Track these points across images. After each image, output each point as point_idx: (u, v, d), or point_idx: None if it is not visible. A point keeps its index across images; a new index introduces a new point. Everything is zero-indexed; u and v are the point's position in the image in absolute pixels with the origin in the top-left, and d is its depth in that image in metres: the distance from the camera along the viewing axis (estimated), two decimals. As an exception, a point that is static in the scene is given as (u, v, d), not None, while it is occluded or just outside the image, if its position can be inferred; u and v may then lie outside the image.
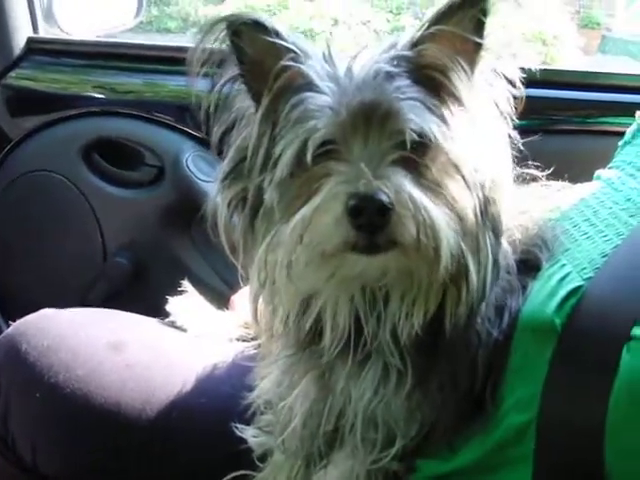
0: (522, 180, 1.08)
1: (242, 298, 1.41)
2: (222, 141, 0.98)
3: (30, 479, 1.32)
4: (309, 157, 0.87)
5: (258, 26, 0.92)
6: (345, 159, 0.86)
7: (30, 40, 1.93)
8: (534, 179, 1.10)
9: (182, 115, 1.85)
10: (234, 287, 1.63)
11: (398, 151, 0.86)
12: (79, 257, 1.97)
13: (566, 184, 1.15)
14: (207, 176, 1.78)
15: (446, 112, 0.89)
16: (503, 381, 0.98)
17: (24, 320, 1.36)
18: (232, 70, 0.95)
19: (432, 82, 0.89)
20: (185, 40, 4.19)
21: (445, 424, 0.99)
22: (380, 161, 0.84)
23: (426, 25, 0.90)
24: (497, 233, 0.92)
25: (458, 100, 0.90)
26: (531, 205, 1.09)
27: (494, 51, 0.93)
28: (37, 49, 1.94)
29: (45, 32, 1.99)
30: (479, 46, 0.91)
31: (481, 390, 0.99)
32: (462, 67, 0.90)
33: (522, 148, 0.97)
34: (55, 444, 1.27)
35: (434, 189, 0.87)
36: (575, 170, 1.15)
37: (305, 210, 0.85)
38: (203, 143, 1.82)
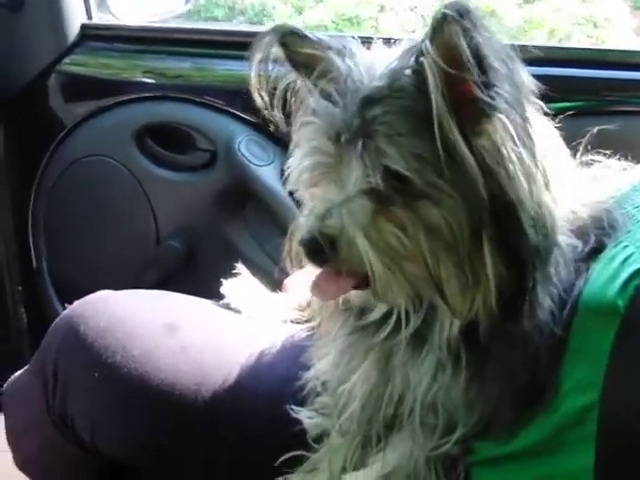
0: (581, 163, 1.06)
1: (295, 281, 1.41)
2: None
3: (89, 458, 1.35)
4: (299, 185, 0.98)
5: (296, 36, 0.98)
6: (332, 181, 0.93)
7: (84, 26, 1.95)
8: (593, 162, 1.09)
9: (233, 99, 1.85)
10: (286, 271, 1.64)
11: (376, 178, 0.88)
12: (132, 241, 1.98)
13: (627, 165, 1.13)
14: (260, 160, 1.78)
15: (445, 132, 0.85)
16: (563, 365, 0.96)
17: (81, 302, 1.37)
18: (291, 75, 1.01)
19: (429, 100, 0.85)
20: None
21: (505, 415, 0.99)
22: (352, 188, 0.90)
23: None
24: (543, 222, 0.89)
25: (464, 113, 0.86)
26: (591, 187, 1.07)
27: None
28: (91, 35, 1.95)
29: (98, 19, 2.01)
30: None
31: (543, 379, 0.97)
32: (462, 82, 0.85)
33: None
34: (112, 424, 1.29)
35: (407, 216, 0.89)
36: (635, 151, 1.13)
37: (293, 224, 0.96)
38: (256, 127, 1.82)
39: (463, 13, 0.81)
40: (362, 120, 0.88)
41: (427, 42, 0.84)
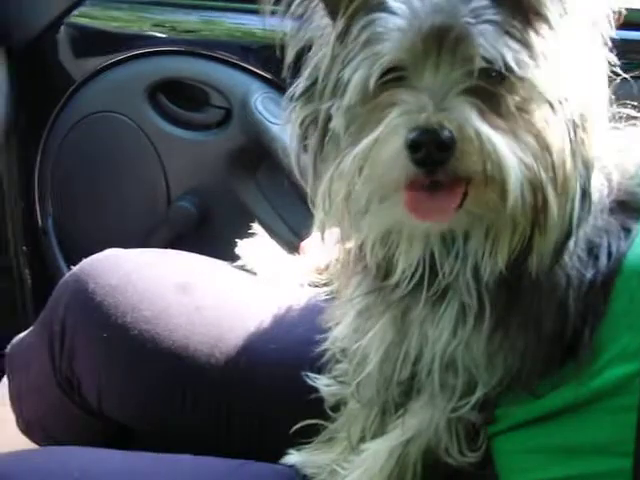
0: (619, 119, 1.01)
1: (312, 243, 1.37)
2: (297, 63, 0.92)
3: (94, 421, 1.32)
4: (372, 84, 0.81)
5: None
6: (413, 87, 0.80)
7: (94, -24, 1.89)
8: (632, 119, 1.03)
9: (246, 55, 1.80)
10: (301, 234, 1.60)
11: (470, 80, 0.79)
12: (142, 200, 1.94)
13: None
14: (277, 118, 1.72)
15: (531, 36, 0.81)
16: (604, 327, 0.91)
17: (91, 259, 1.33)
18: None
19: (517, 1, 0.81)
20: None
21: (529, 369, 0.93)
22: (448, 90, 0.78)
23: None
24: (588, 164, 0.85)
25: (547, 21, 0.81)
26: (630, 144, 1.00)
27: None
28: (101, -15, 1.90)
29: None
30: None
31: (573, 335, 0.92)
32: None
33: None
34: (121, 386, 1.26)
35: (511, 120, 0.79)
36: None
37: (366, 141, 0.80)
38: (272, 84, 1.77)
39: None
40: (454, 15, 0.79)
41: None
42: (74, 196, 1.99)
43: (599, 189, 0.91)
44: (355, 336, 1.02)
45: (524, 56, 0.79)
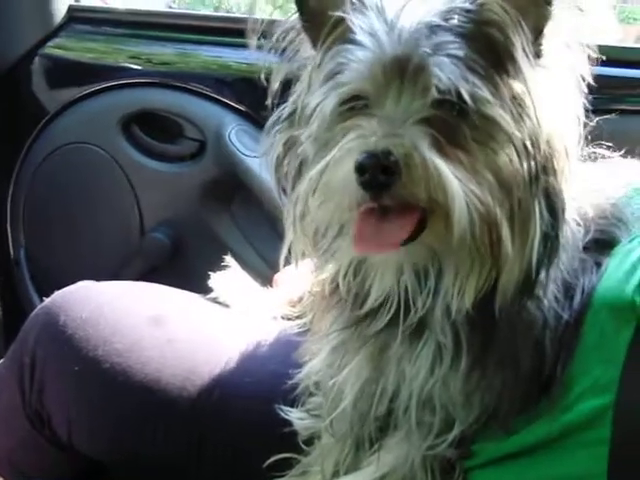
0: (592, 158, 1.02)
1: (285, 276, 1.37)
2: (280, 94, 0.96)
3: (64, 457, 1.29)
4: (332, 111, 0.85)
5: None
6: (373, 114, 0.83)
7: (71, 8, 1.90)
8: (604, 157, 1.04)
9: (220, 88, 1.81)
10: (274, 266, 1.59)
11: (429, 110, 0.81)
12: (116, 232, 1.93)
13: (637, 161, 1.09)
14: (251, 151, 1.73)
15: (499, 76, 0.82)
16: (575, 361, 0.92)
17: (62, 292, 1.32)
18: (293, 21, 0.93)
19: (488, 40, 0.83)
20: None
21: (506, 407, 0.93)
22: (406, 119, 0.81)
23: None
24: (554, 206, 0.85)
25: (519, 63, 0.83)
26: (603, 182, 1.02)
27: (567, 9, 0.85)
28: (77, 17, 1.91)
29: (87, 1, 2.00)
30: (548, 3, 0.84)
31: (549, 372, 0.93)
32: (524, 25, 0.83)
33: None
34: (92, 420, 1.24)
35: (469, 154, 0.81)
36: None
37: (320, 164, 0.83)
38: (246, 117, 1.78)
39: None
40: (415, 46, 0.81)
41: None
42: (47, 227, 1.98)
43: (575, 231, 0.92)
44: (330, 371, 1.02)
45: (485, 93, 0.81)
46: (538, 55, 0.85)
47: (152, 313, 1.28)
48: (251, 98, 1.75)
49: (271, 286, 1.39)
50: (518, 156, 0.82)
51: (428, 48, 0.81)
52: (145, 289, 1.39)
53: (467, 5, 0.84)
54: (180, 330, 1.27)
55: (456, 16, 0.83)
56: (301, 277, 1.08)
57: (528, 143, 0.83)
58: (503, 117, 0.81)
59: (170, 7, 2.23)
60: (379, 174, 0.78)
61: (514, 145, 0.82)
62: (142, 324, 1.26)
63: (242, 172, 1.73)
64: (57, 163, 1.93)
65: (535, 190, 0.83)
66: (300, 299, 1.32)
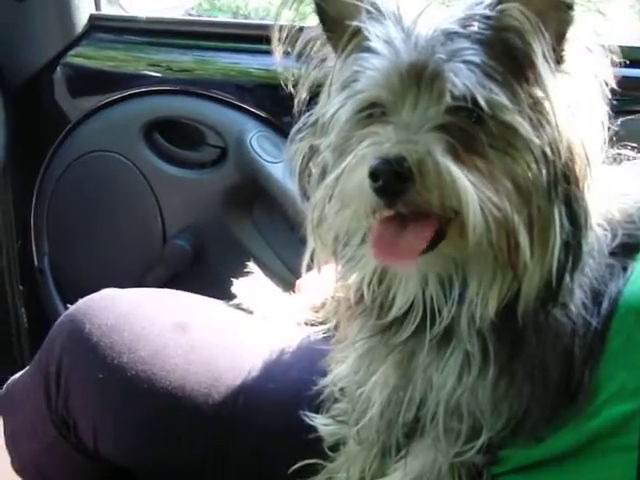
0: (617, 160, 1.01)
1: (308, 281, 1.37)
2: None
3: (90, 463, 1.30)
4: (349, 119, 0.85)
5: None
6: (389, 122, 0.82)
7: (92, 17, 1.91)
8: (629, 159, 1.03)
9: (241, 94, 1.81)
10: (296, 272, 1.59)
11: (445, 116, 0.81)
12: (138, 239, 1.94)
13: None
14: (272, 157, 1.73)
15: (518, 82, 0.82)
16: (601, 367, 0.91)
17: (87, 299, 1.32)
18: (315, 30, 0.93)
19: (507, 46, 0.82)
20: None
21: (535, 415, 0.93)
22: (422, 125, 0.80)
23: None
24: (575, 213, 0.84)
25: (535, 68, 0.82)
26: (629, 185, 1.01)
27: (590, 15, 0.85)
28: (98, 27, 1.92)
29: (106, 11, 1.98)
30: (570, 8, 0.83)
31: (578, 379, 0.92)
32: (544, 31, 0.82)
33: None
34: (117, 427, 1.24)
35: (487, 160, 0.81)
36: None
37: (336, 170, 0.83)
38: (267, 123, 1.78)
39: None
40: (432, 53, 0.81)
41: None
42: (70, 235, 1.99)
43: (601, 236, 0.91)
44: (356, 378, 1.02)
45: (502, 99, 0.80)
46: (560, 61, 0.84)
47: (176, 320, 1.29)
48: (272, 104, 1.76)
49: (294, 292, 1.39)
50: (537, 163, 0.81)
51: (444, 54, 0.80)
52: (168, 296, 1.39)
53: (487, 12, 0.83)
54: (204, 337, 1.27)
55: (475, 23, 0.82)
56: (324, 282, 1.08)
57: (547, 150, 0.82)
58: (521, 124, 0.81)
59: (189, 14, 2.22)
60: (393, 180, 0.78)
61: (532, 152, 0.81)
62: (166, 331, 1.26)
63: (263, 178, 1.73)
64: (79, 171, 1.94)
65: (555, 197, 0.82)
66: (323, 304, 1.32)
